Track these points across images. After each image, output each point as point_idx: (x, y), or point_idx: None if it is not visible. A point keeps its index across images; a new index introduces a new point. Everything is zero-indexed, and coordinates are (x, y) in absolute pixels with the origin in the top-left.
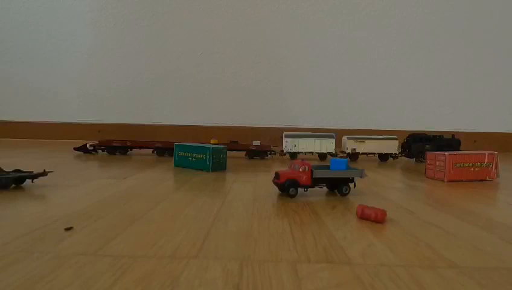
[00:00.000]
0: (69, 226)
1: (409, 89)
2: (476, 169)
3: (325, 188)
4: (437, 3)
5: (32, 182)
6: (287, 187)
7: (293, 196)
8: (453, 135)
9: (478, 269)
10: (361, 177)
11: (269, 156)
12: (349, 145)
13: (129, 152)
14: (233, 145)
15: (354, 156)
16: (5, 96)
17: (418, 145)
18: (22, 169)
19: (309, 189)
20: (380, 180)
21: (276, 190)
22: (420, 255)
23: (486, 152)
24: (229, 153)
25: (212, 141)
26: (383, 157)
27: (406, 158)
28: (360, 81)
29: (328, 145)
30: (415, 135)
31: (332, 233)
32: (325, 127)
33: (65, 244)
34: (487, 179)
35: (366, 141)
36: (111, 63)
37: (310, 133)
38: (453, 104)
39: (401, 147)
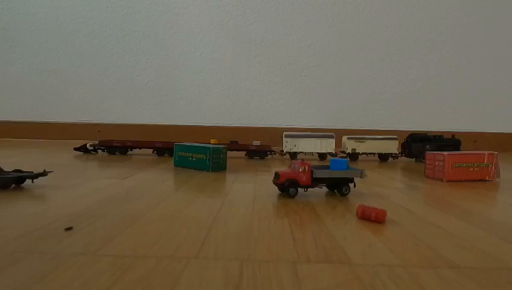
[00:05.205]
0: (69, 226)
1: (409, 89)
2: (476, 169)
3: (325, 188)
4: (437, 3)
5: (32, 182)
6: (287, 187)
7: (293, 196)
8: (453, 135)
9: (478, 269)
10: (361, 177)
11: (269, 156)
12: (349, 145)
13: (129, 152)
14: (233, 145)
15: (354, 156)
16: (5, 96)
17: (418, 145)
18: (22, 169)
19: (309, 189)
20: (380, 180)
21: (276, 189)
22: (420, 255)
23: (486, 152)
24: (229, 153)
25: (212, 141)
26: (383, 157)
27: (406, 158)
28: (360, 81)
29: (328, 145)
30: (415, 135)
31: (333, 233)
32: (325, 127)
33: (65, 244)
34: (487, 179)
35: (366, 141)
36: (111, 63)
37: (310, 133)
38: (453, 104)
39: (401, 147)
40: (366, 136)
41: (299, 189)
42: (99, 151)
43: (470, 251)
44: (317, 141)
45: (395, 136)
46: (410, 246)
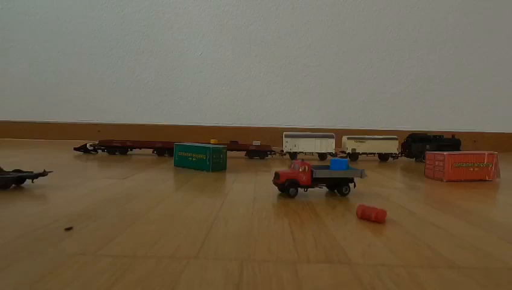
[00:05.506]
0: (69, 226)
1: (409, 89)
2: (476, 169)
3: (325, 188)
4: (437, 3)
5: (32, 182)
6: (287, 187)
7: (293, 196)
8: (453, 135)
9: (478, 269)
10: (361, 177)
11: (269, 156)
12: (349, 145)
13: (129, 152)
14: (233, 145)
15: (354, 156)
16: (5, 96)
17: (418, 145)
18: (22, 169)
19: (309, 189)
20: (380, 180)
21: (276, 189)
22: (420, 255)
23: (486, 152)
24: (229, 153)
25: (212, 141)
26: (383, 157)
27: (406, 158)
28: (360, 81)
29: (328, 145)
30: (415, 135)
31: (333, 233)
32: (325, 127)
33: (65, 244)
34: (487, 179)
35: (366, 141)
36: (111, 63)
37: (310, 133)
38: (453, 104)
39: (401, 147)
40: (366, 136)
41: (299, 189)
42: (99, 151)
43: (470, 251)
44: (317, 141)
45: (395, 136)
46: (410, 246)
